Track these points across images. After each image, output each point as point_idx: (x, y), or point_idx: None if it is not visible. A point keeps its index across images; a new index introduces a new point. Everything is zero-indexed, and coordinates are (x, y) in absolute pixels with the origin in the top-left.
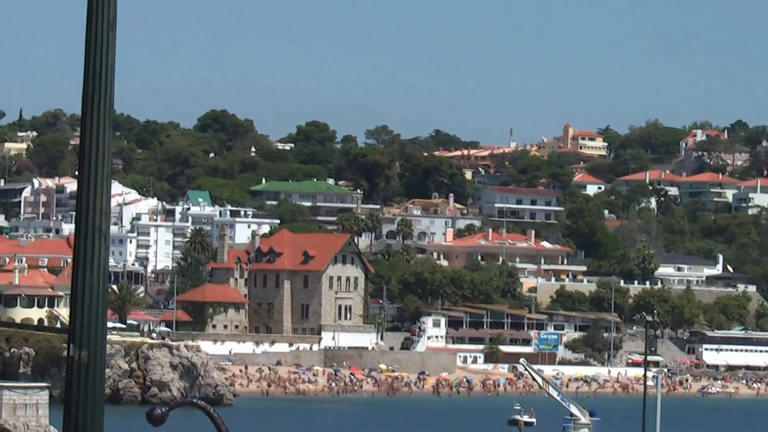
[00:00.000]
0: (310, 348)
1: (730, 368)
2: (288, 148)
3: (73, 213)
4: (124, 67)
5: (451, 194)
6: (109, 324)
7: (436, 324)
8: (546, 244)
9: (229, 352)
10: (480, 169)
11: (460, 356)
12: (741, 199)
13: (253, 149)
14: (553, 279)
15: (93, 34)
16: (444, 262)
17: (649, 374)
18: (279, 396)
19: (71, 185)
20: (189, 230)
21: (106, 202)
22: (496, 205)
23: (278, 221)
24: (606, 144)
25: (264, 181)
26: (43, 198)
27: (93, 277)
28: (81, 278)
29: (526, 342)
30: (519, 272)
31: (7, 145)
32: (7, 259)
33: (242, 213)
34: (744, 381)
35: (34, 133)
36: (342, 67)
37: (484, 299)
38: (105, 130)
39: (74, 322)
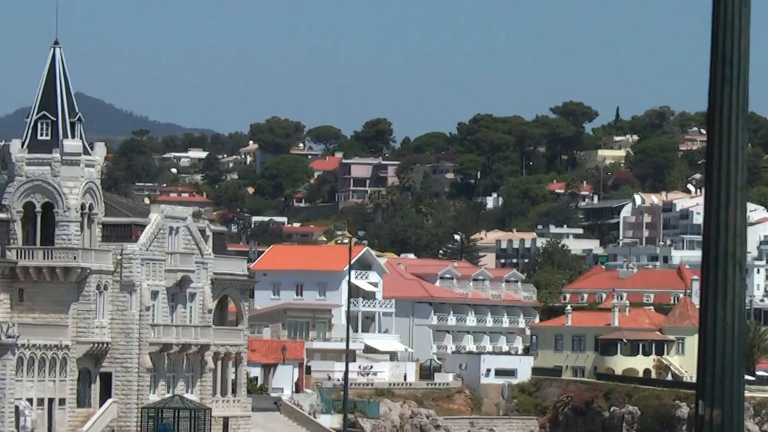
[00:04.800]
0: None
1: None
2: None
3: (684, 236)
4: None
5: None
6: None
7: None
8: None
9: None
10: None
11: None
12: None
13: None
14: None
15: (722, 11)
16: None
17: None
18: None
19: (682, 201)
20: None
21: (741, 222)
22: None
23: None
24: None
25: None
26: (647, 218)
27: (726, 316)
28: (711, 318)
29: None
30: None
31: (602, 152)
32: (604, 296)
33: None
34: None
35: (635, 137)
36: None
37: None
38: (738, 132)
39: (704, 374)
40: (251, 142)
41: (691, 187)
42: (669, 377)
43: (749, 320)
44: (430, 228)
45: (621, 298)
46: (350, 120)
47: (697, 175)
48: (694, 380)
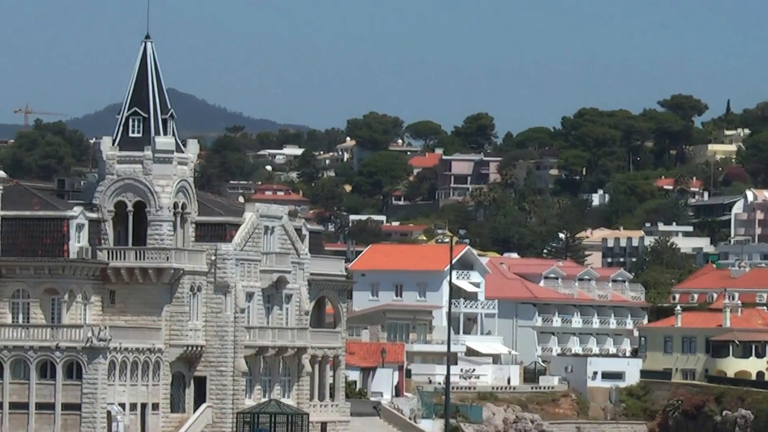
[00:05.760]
0: None
1: None
2: None
3: None
4: None
5: None
6: None
7: None
8: None
9: None
10: None
11: None
12: None
13: None
14: None
15: None
16: None
17: None
18: None
19: None
20: None
21: None
22: None
23: None
24: None
25: None
26: (759, 215)
27: None
28: None
29: None
30: None
31: (712, 147)
32: (715, 295)
33: None
34: None
35: (747, 131)
36: None
37: None
38: None
39: None
40: (348, 138)
41: None
42: None
43: None
44: (533, 226)
45: (733, 298)
46: (450, 115)
47: None
48: None
